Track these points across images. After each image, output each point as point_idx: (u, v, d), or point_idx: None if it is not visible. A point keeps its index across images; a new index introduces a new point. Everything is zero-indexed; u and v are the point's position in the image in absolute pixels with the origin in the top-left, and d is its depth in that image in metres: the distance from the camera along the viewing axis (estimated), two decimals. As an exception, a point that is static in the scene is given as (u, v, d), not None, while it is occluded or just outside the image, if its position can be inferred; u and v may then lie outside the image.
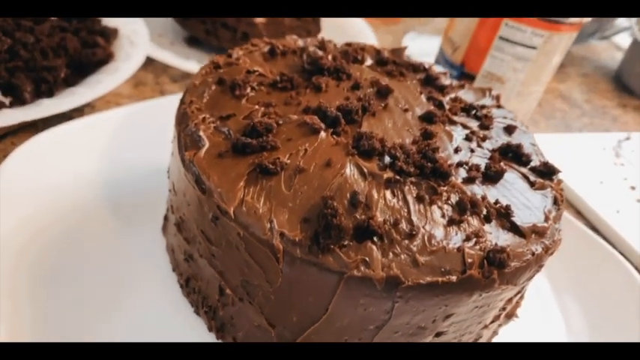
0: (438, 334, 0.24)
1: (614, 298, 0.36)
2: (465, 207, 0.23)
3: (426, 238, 0.22)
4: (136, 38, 0.47)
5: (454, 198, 0.24)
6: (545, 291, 0.36)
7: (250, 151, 0.24)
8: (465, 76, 0.54)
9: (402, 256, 0.21)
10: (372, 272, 0.21)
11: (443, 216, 0.23)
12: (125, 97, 0.47)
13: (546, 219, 0.25)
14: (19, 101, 0.38)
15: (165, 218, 0.31)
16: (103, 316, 0.27)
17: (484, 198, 0.24)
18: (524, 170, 0.28)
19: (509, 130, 0.31)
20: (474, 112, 0.31)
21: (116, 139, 0.37)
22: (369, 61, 0.35)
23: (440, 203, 0.24)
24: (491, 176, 0.26)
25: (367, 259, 0.21)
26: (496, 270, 0.22)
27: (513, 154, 0.29)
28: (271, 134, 0.25)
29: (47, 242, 0.29)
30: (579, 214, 0.49)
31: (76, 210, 0.32)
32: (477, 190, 0.25)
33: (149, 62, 0.50)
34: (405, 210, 0.23)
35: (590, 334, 0.34)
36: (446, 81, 0.35)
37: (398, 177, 0.24)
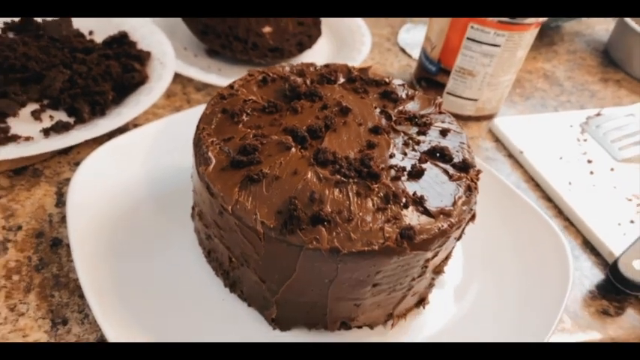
0: (374, 285, 0.35)
1: (544, 256, 0.46)
2: (389, 198, 0.34)
3: (359, 221, 0.33)
4: (165, 59, 0.58)
5: (382, 192, 0.35)
6: (485, 250, 0.46)
7: (242, 166, 0.35)
8: (442, 70, 0.63)
9: (342, 234, 0.32)
10: (320, 245, 0.32)
11: (373, 205, 0.34)
12: (160, 107, 0.59)
13: (454, 203, 0.35)
14: (80, 121, 0.50)
15: (192, 208, 0.43)
16: (151, 278, 0.39)
17: (404, 191, 0.35)
18: (446, 167, 0.38)
19: (444, 133, 0.41)
20: (415, 120, 0.41)
21: (156, 147, 0.49)
22: (341, 80, 0.45)
23: (372, 197, 0.34)
24: (414, 174, 0.36)
25: (318, 237, 0.32)
26: (406, 241, 0.32)
27: (440, 154, 0.39)
28: (257, 152, 0.36)
29: (112, 224, 0.42)
30: (538, 186, 0.58)
31: (130, 203, 0.44)
32: (401, 185, 0.35)
33: (177, 76, 0.62)
34: (347, 202, 0.34)
35: (519, 283, 0.44)
36: (402, 93, 0.45)
37: (344, 179, 0.35)
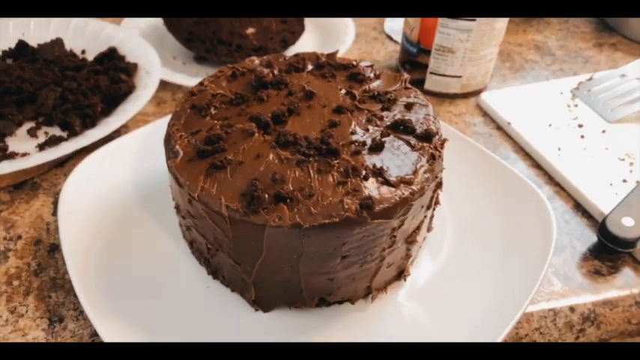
0: (343, 257, 0.35)
1: (527, 218, 0.45)
2: (349, 172, 0.35)
3: (320, 196, 0.34)
4: (151, 68, 0.61)
5: (342, 167, 0.35)
6: (469, 219, 0.47)
7: (207, 155, 0.37)
8: (423, 51, 0.64)
9: (303, 210, 0.33)
10: (283, 222, 0.33)
11: (333, 180, 0.35)
12: (150, 115, 0.61)
13: (415, 172, 0.36)
14: (72, 133, 0.53)
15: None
16: (139, 273, 0.41)
17: (363, 164, 0.36)
18: (408, 138, 0.39)
19: (409, 107, 0.42)
20: (380, 97, 0.42)
21: (143, 151, 0.51)
22: (309, 67, 0.46)
23: (333, 172, 0.35)
24: (375, 147, 0.37)
25: (280, 214, 0.33)
26: (366, 211, 0.33)
27: (403, 127, 0.39)
28: (222, 141, 0.37)
29: (102, 226, 0.44)
30: (527, 155, 0.58)
31: (119, 204, 0.46)
32: (362, 159, 0.36)
33: (167, 84, 0.64)
34: (309, 180, 0.35)
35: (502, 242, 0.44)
36: (369, 73, 0.45)
37: (304, 158, 0.36)
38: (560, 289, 0.44)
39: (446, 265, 0.43)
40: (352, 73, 0.45)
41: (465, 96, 0.66)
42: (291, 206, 0.34)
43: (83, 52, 0.67)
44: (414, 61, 0.65)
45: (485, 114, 0.64)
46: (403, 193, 0.35)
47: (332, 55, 0.47)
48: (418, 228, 0.39)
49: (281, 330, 0.38)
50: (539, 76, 0.72)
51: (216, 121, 0.40)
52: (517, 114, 0.61)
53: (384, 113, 0.41)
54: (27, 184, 0.52)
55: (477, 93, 0.66)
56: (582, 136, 0.58)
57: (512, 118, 0.60)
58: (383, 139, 0.38)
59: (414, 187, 0.35)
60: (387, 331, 0.38)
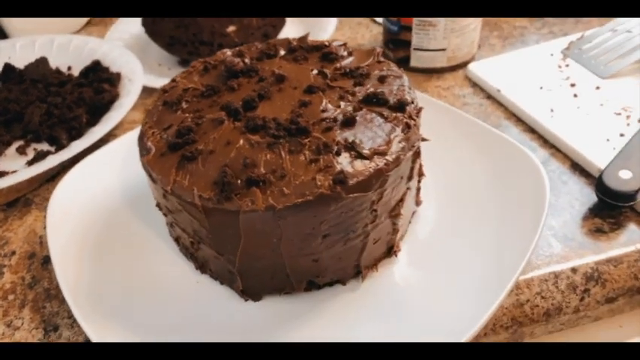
0: (324, 236, 0.35)
1: (519, 181, 0.44)
2: (320, 150, 0.34)
3: (292, 177, 0.33)
4: (133, 76, 0.61)
5: (314, 145, 0.35)
6: (460, 190, 0.45)
7: (179, 148, 0.36)
8: (404, 28, 0.62)
9: (276, 191, 0.33)
10: (256, 206, 0.32)
11: (305, 159, 0.34)
12: (138, 122, 0.61)
13: (389, 142, 0.35)
14: (60, 147, 0.53)
15: (161, 203, 0.45)
16: (130, 274, 0.41)
17: (335, 140, 0.35)
18: (381, 110, 0.38)
19: (382, 79, 0.41)
20: (352, 74, 0.41)
21: (131, 155, 0.51)
22: (282, 53, 0.46)
23: (304, 151, 0.35)
24: (347, 122, 0.36)
25: (253, 198, 0.33)
26: (339, 186, 0.32)
27: (376, 100, 0.38)
28: (192, 132, 0.37)
29: (90, 231, 0.44)
30: (519, 121, 0.56)
31: (108, 207, 0.46)
32: (333, 135, 0.35)
33: (153, 91, 0.64)
34: (281, 161, 0.34)
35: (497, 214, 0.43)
36: (342, 52, 0.45)
37: (275, 140, 0.35)
38: (561, 251, 0.43)
39: (437, 239, 0.42)
40: (324, 53, 0.44)
41: (453, 69, 0.64)
42: (263, 189, 0.33)
43: (69, 68, 0.67)
44: (396, 39, 0.64)
45: (475, 85, 0.62)
46: (377, 165, 0.34)
47: (303, 39, 0.47)
48: (401, 200, 0.38)
49: (272, 318, 0.38)
50: (528, 41, 0.70)
51: (187, 115, 0.39)
52: (507, 81, 0.60)
53: (357, 89, 0.40)
54: (20, 201, 0.52)
55: (464, 65, 0.65)
56: (575, 95, 0.57)
57: (502, 85, 0.59)
58: (355, 114, 0.37)
59: (388, 158, 0.34)
60: (379, 310, 0.37)
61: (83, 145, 0.51)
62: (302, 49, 0.46)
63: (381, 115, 0.37)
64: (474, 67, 0.62)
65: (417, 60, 0.64)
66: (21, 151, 0.54)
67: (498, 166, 0.46)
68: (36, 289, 0.43)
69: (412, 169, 0.38)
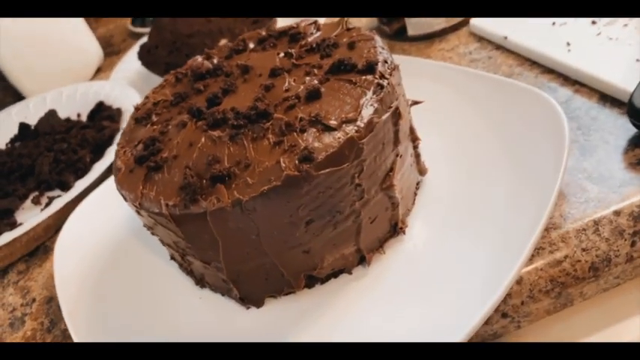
0: (308, 223, 0.31)
1: (536, 126, 0.39)
2: (283, 131, 0.31)
3: (256, 165, 0.30)
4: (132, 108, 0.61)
5: (277, 127, 0.32)
6: (472, 148, 0.41)
7: (145, 160, 0.34)
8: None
9: (240, 184, 0.30)
10: (222, 203, 0.30)
11: (269, 144, 0.31)
12: (145, 152, 0.61)
13: (357, 108, 0.31)
14: (68, 190, 0.54)
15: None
16: (136, 295, 0.40)
17: (297, 117, 0.32)
18: (349, 76, 0.34)
19: (351, 46, 0.37)
20: (318, 47, 0.38)
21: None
22: (251, 46, 0.44)
23: (268, 135, 0.32)
24: (311, 96, 0.33)
25: (218, 196, 0.30)
26: (307, 164, 0.29)
27: (343, 67, 0.35)
28: (158, 142, 0.35)
29: (95, 262, 0.43)
30: (534, 64, 0.50)
31: (113, 237, 0.46)
32: (296, 112, 0.32)
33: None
34: (244, 151, 0.32)
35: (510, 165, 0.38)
36: (312, 30, 0.42)
37: (237, 131, 0.33)
38: (598, 194, 0.37)
39: (449, 209, 0.37)
40: (292, 35, 0.41)
41: (455, 28, 0.59)
42: (229, 184, 0.30)
43: (79, 115, 0.69)
44: (388, 11, 0.60)
45: (481, 38, 0.57)
46: (347, 134, 0.30)
47: (271, 27, 0.44)
48: (392, 170, 0.34)
49: (276, 322, 0.35)
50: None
51: (155, 126, 0.38)
52: (513, 26, 0.54)
53: (324, 61, 0.37)
54: (40, 249, 0.53)
55: (466, 22, 0.59)
56: (594, 22, 0.50)
57: (508, 31, 0.53)
58: (318, 86, 0.33)
59: (359, 124, 0.31)
60: (389, 298, 0.33)
61: (86, 183, 0.51)
62: (271, 37, 0.43)
63: (350, 82, 0.34)
64: (476, 21, 0.57)
65: (413, 28, 0.59)
66: (35, 201, 0.55)
67: (509, 114, 0.41)
68: (54, 332, 0.43)
69: (396, 132, 0.34)
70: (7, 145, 0.67)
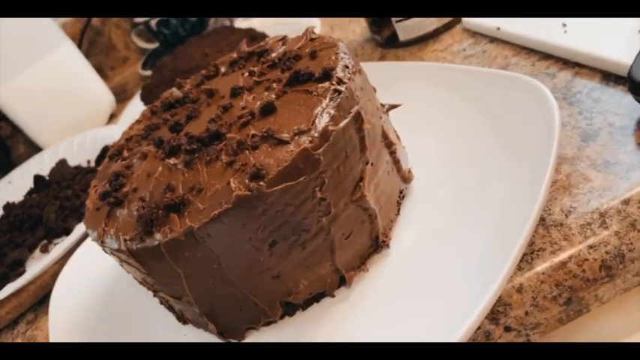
0: (271, 245, 0.29)
1: (523, 114, 0.36)
2: (235, 150, 0.29)
3: (208, 189, 0.29)
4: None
5: (230, 147, 0.30)
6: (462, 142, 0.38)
7: (109, 196, 0.34)
8: (377, 4, 0.56)
9: (192, 211, 0.28)
10: (174, 232, 0.28)
11: (222, 166, 0.30)
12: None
13: (310, 118, 0.29)
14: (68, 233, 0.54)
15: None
16: (125, 321, 0.39)
17: (249, 134, 0.30)
18: (306, 87, 0.32)
19: (313, 55, 0.35)
20: (280, 62, 0.36)
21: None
22: (223, 69, 0.43)
23: (221, 157, 0.30)
24: (265, 111, 0.31)
25: (171, 226, 0.29)
26: (256, 182, 0.27)
27: (301, 78, 0.33)
28: (121, 177, 0.34)
29: (90, 306, 0.42)
30: (531, 52, 0.47)
31: (110, 280, 0.45)
32: (249, 130, 0.31)
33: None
34: (199, 176, 0.30)
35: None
36: (279, 46, 0.40)
37: (191, 156, 0.31)
38: (603, 182, 0.33)
39: (436, 218, 0.34)
40: (259, 53, 0.40)
41: (448, 27, 0.57)
42: (182, 212, 0.29)
43: (88, 162, 0.70)
44: (378, 19, 0.58)
45: (475, 33, 0.54)
46: (300, 146, 0.28)
47: (239, 48, 0.43)
48: (362, 180, 0.32)
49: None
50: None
51: (124, 162, 0.37)
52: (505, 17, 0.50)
53: (285, 74, 0.35)
54: (48, 297, 0.53)
55: (459, 19, 0.56)
56: (591, -2, 0.46)
57: (501, 21, 0.50)
58: (272, 100, 0.32)
59: (313, 134, 0.29)
60: (374, 318, 0.31)
61: (84, 227, 0.51)
62: (241, 59, 0.42)
63: (306, 92, 0.32)
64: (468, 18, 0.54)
65: (404, 32, 0.57)
66: (44, 249, 0.56)
67: (500, 108, 0.38)
68: (53, 381, 0.42)
69: (362, 139, 0.31)
70: (24, 197, 0.68)
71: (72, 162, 0.69)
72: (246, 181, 0.28)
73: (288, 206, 0.29)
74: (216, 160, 0.30)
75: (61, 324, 0.41)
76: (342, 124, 0.30)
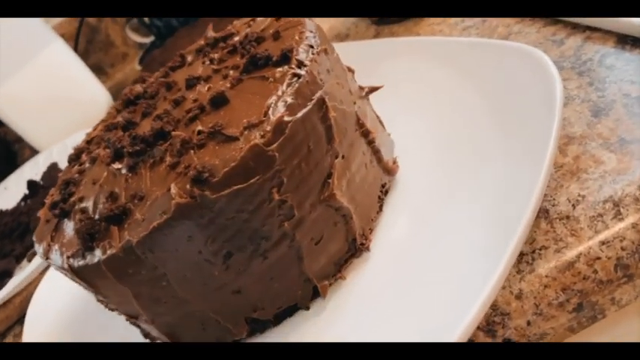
0: (226, 257, 0.26)
1: (526, 95, 0.31)
2: (179, 150, 0.26)
3: (149, 196, 0.25)
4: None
5: (175, 147, 0.26)
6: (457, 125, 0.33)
7: (58, 207, 0.30)
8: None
9: (133, 222, 0.25)
10: (113, 248, 0.25)
11: (165, 169, 0.26)
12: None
13: (263, 108, 0.25)
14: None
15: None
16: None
17: (195, 131, 0.26)
18: (263, 72, 0.28)
19: (276, 36, 0.31)
20: (241, 46, 0.32)
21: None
22: (190, 58, 0.39)
23: (166, 158, 0.26)
24: (216, 104, 0.27)
25: (111, 240, 0.25)
26: (200, 187, 0.24)
27: (260, 62, 0.29)
28: (71, 184, 0.31)
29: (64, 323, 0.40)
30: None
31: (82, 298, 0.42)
32: (195, 126, 0.27)
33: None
34: (141, 182, 0.26)
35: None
36: (245, 29, 0.36)
37: (135, 159, 0.28)
38: (617, 164, 0.28)
39: (425, 211, 0.30)
40: (224, 38, 0.36)
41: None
42: (122, 224, 0.25)
43: (81, 163, 0.67)
44: None
45: (474, 2, 0.48)
46: (250, 142, 0.24)
47: (206, 34, 0.39)
48: (330, 176, 0.27)
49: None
50: None
51: (79, 167, 0.34)
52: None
53: (243, 60, 0.31)
54: (35, 309, 0.51)
55: (459, -14, 0.51)
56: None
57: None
58: (222, 90, 0.28)
59: (265, 127, 0.25)
60: (348, 332, 0.27)
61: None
62: (207, 46, 0.38)
63: (263, 78, 0.28)
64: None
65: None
66: (30, 258, 0.54)
67: (495, 82, 0.33)
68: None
69: (328, 128, 0.27)
70: (17, 203, 0.67)
71: (65, 165, 0.67)
72: (188, 186, 0.24)
73: (241, 212, 0.25)
74: (160, 163, 0.27)
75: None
76: (300, 114, 0.25)
